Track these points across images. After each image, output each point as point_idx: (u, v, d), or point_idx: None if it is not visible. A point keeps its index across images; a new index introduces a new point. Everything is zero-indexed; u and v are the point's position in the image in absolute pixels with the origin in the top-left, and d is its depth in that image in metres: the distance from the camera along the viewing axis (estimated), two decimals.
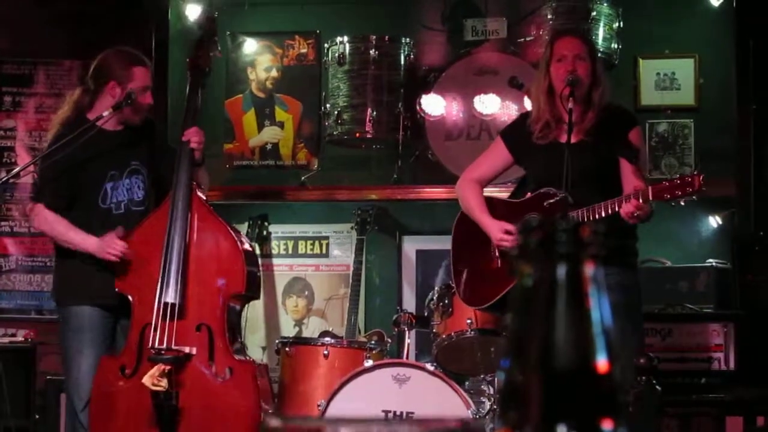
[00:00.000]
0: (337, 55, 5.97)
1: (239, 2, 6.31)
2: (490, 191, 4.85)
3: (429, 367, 4.67)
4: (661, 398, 4.39)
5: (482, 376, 5.00)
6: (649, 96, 6.20)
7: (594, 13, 5.77)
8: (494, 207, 4.59)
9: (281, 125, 6.37)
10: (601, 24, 5.82)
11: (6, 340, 6.03)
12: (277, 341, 5.23)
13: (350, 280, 5.95)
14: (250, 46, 6.40)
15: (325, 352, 4.98)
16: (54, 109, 6.26)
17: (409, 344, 5.01)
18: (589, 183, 4.32)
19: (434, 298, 5.04)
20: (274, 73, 6.40)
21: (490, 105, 5.86)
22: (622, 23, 5.90)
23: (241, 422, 4.54)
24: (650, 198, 4.08)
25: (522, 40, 6.02)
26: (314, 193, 6.29)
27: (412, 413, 4.55)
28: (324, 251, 6.46)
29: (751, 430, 5.06)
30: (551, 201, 4.34)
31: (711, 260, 5.76)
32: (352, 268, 5.97)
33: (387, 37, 6.04)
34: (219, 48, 5.17)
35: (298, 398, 4.95)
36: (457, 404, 4.51)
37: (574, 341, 0.85)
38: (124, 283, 4.66)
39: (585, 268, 0.87)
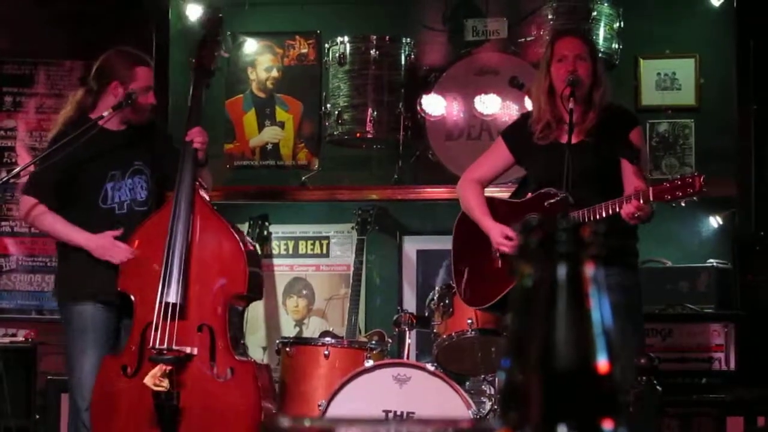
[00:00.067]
0: (337, 55, 5.97)
1: (239, 2, 6.31)
2: (491, 191, 4.85)
3: (429, 367, 4.67)
4: (662, 398, 4.38)
5: (483, 376, 5.00)
6: (650, 96, 6.20)
7: (594, 13, 5.77)
8: (495, 207, 4.59)
9: (282, 125, 6.37)
10: (602, 24, 5.82)
11: (6, 340, 6.04)
12: (277, 341, 5.23)
13: (351, 280, 5.95)
14: (251, 46, 6.40)
15: (326, 352, 4.98)
16: (54, 109, 6.27)
17: (409, 344, 5.01)
18: (590, 183, 4.32)
19: (435, 298, 5.04)
20: (274, 73, 6.40)
21: (491, 105, 5.86)
22: (622, 23, 5.90)
23: (241, 422, 4.54)
24: (651, 199, 4.08)
25: (522, 40, 6.02)
26: (315, 193, 6.29)
27: (413, 413, 4.55)
28: (324, 251, 6.46)
29: (751, 431, 5.06)
30: (552, 201, 4.34)
31: (711, 260, 5.76)
32: (352, 268, 5.96)
33: (387, 37, 6.03)
34: (224, 48, 5.17)
35: (299, 398, 4.95)
36: (458, 404, 4.51)
37: (574, 341, 0.85)
38: (126, 282, 4.66)
39: (585, 269, 0.87)
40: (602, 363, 0.85)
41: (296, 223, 6.48)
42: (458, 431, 0.88)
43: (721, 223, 6.08)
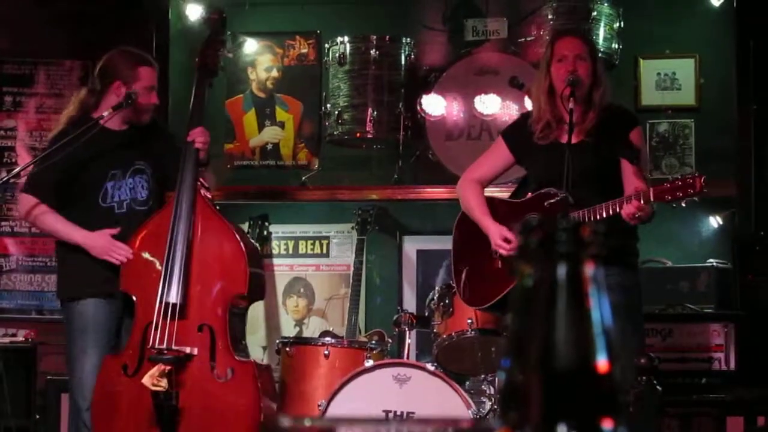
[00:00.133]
0: (337, 55, 5.97)
1: (240, 2, 6.31)
2: (491, 191, 4.85)
3: (429, 367, 4.67)
4: (662, 398, 4.39)
5: (483, 376, 5.00)
6: (650, 96, 6.20)
7: (594, 13, 5.77)
8: (495, 207, 4.59)
9: (282, 125, 6.37)
10: (602, 24, 5.82)
11: (6, 340, 6.04)
12: (277, 341, 5.23)
13: (351, 280, 5.95)
14: (251, 46, 6.40)
15: (326, 352, 4.98)
16: (54, 109, 6.27)
17: (409, 344, 5.01)
18: (590, 183, 4.32)
19: (435, 298, 5.04)
20: (274, 73, 6.40)
21: (491, 105, 5.86)
22: (622, 23, 5.90)
23: (241, 423, 4.53)
24: (651, 199, 4.07)
25: (522, 40, 6.02)
26: (315, 193, 6.29)
27: (413, 413, 4.55)
28: (324, 251, 6.46)
29: (751, 431, 5.06)
30: (552, 201, 4.34)
31: (711, 260, 5.76)
32: (352, 268, 5.96)
33: (387, 37, 6.03)
34: (228, 48, 5.16)
35: (299, 398, 4.94)
36: (458, 404, 4.51)
37: (574, 341, 0.85)
38: (128, 282, 4.66)
39: (585, 268, 0.87)
40: (602, 363, 0.85)
41: (296, 223, 6.48)
42: (458, 431, 0.88)
43: (721, 223, 6.08)
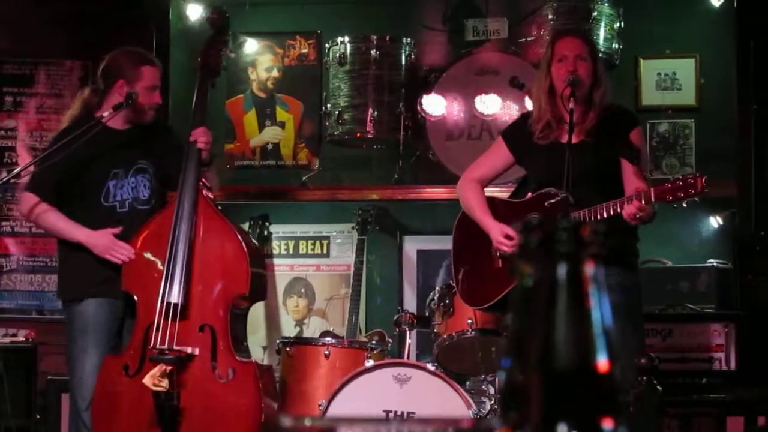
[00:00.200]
0: (338, 55, 5.97)
1: (240, 2, 6.31)
2: (491, 191, 4.85)
3: (430, 367, 4.67)
4: (662, 398, 4.39)
5: (483, 376, 5.00)
6: (650, 96, 6.20)
7: (595, 14, 5.77)
8: (495, 207, 4.59)
9: (282, 125, 6.38)
10: (602, 24, 5.82)
11: (7, 340, 6.04)
12: (278, 341, 5.23)
13: (351, 280, 5.95)
14: (251, 46, 6.40)
15: (326, 352, 4.98)
16: (55, 109, 6.28)
17: (410, 344, 5.01)
18: (590, 183, 4.32)
19: (435, 298, 5.04)
20: (275, 73, 6.40)
21: (491, 105, 5.86)
22: (623, 23, 5.90)
23: (242, 423, 4.53)
24: (652, 199, 4.07)
25: (523, 40, 6.02)
26: (315, 193, 6.29)
27: (413, 413, 4.55)
28: (325, 251, 6.46)
29: (751, 430, 5.06)
30: (552, 201, 4.34)
31: (712, 260, 5.76)
32: (353, 268, 5.97)
33: (388, 37, 6.03)
34: (230, 47, 5.15)
35: (299, 398, 4.95)
36: (458, 404, 4.51)
37: (574, 341, 0.85)
38: (130, 282, 4.66)
39: (585, 268, 0.87)
40: (602, 362, 0.85)
41: (297, 223, 6.48)
42: (459, 431, 0.88)
43: (721, 223, 6.08)
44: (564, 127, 4.37)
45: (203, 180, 4.78)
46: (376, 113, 5.91)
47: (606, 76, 4.53)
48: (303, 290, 6.43)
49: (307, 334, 6.26)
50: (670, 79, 6.19)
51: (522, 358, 0.86)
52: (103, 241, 4.66)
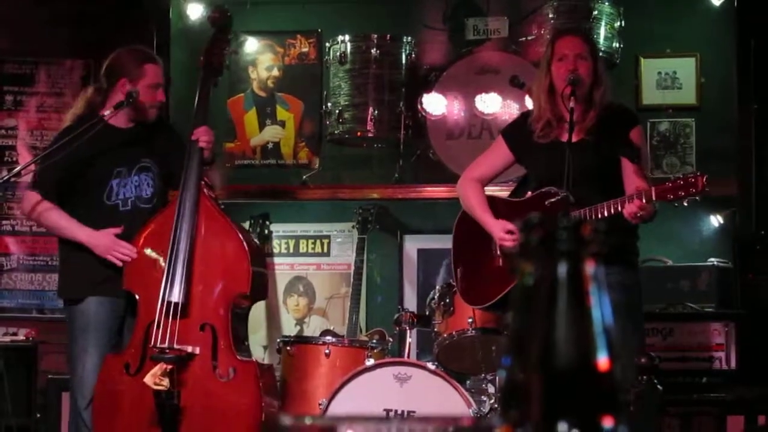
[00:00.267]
0: (338, 54, 5.97)
1: (241, 1, 6.31)
2: (490, 190, 4.85)
3: (430, 366, 4.67)
4: (662, 397, 4.39)
5: (483, 375, 5.00)
6: (651, 95, 6.20)
7: (595, 12, 5.77)
8: (496, 206, 4.59)
9: (282, 124, 6.38)
10: (603, 23, 5.82)
11: (7, 338, 6.04)
12: (278, 340, 5.23)
13: (351, 279, 5.95)
14: (252, 45, 6.40)
15: (327, 351, 4.98)
16: (55, 108, 6.28)
17: (410, 343, 5.01)
18: (590, 182, 4.32)
19: (435, 297, 5.04)
20: (275, 72, 6.40)
21: (492, 104, 5.86)
22: (623, 22, 5.90)
23: (243, 422, 4.53)
24: (653, 198, 4.07)
25: (523, 39, 6.02)
26: (315, 192, 6.29)
27: (414, 412, 4.55)
28: (325, 250, 6.46)
29: (752, 430, 5.06)
30: (553, 200, 4.34)
31: (712, 259, 5.76)
32: (353, 267, 5.97)
33: (388, 36, 6.03)
34: (233, 46, 5.14)
35: (300, 397, 4.95)
36: (458, 403, 4.51)
37: (575, 339, 0.85)
38: (131, 280, 4.66)
39: (586, 266, 0.87)
40: (602, 361, 0.85)
41: (297, 222, 6.48)
42: (459, 429, 0.88)
43: (721, 222, 6.08)
44: (564, 126, 4.37)
45: (206, 179, 4.79)
46: (376, 112, 5.91)
47: (606, 75, 4.53)
48: (303, 289, 6.43)
49: (307, 333, 6.26)
50: (670, 78, 6.19)
51: (522, 356, 0.86)
52: (104, 242, 4.66)
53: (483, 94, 5.87)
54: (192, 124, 4.83)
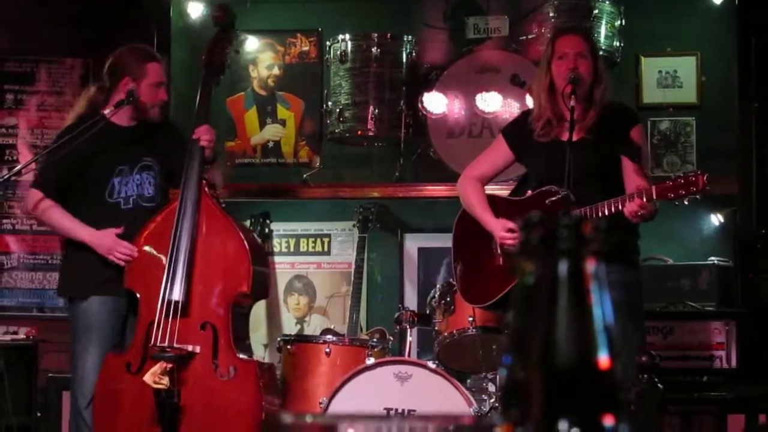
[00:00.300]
0: (339, 52, 5.97)
1: (241, 0, 6.31)
2: (491, 189, 4.84)
3: (431, 364, 4.67)
4: (663, 396, 4.39)
5: (484, 373, 5.00)
6: (651, 94, 6.20)
7: (596, 11, 5.77)
8: (496, 205, 4.59)
9: (283, 123, 6.38)
10: (603, 22, 5.82)
11: (8, 337, 6.04)
12: (278, 339, 5.23)
13: (352, 278, 5.95)
14: (252, 43, 6.40)
15: (327, 350, 4.98)
16: (55, 107, 6.28)
17: (410, 342, 5.00)
18: (591, 181, 4.32)
19: (436, 295, 5.04)
20: (275, 70, 6.40)
21: (492, 103, 5.86)
22: (623, 21, 5.90)
23: (243, 421, 4.53)
24: (654, 197, 4.07)
25: (524, 37, 6.02)
26: (316, 190, 6.29)
27: (414, 411, 4.55)
28: (326, 249, 6.46)
29: (752, 428, 5.06)
30: (553, 199, 4.34)
31: (713, 258, 5.75)
32: (353, 266, 5.97)
33: (389, 35, 6.03)
34: (235, 45, 5.13)
35: (300, 396, 4.95)
36: (459, 402, 4.51)
37: (575, 338, 0.85)
38: (132, 279, 4.66)
39: (587, 265, 0.87)
40: (603, 359, 0.85)
41: (297, 221, 6.48)
42: (459, 428, 0.88)
43: (722, 220, 6.08)
44: (564, 124, 4.37)
45: (207, 178, 4.78)
46: (377, 111, 5.90)
47: (606, 74, 4.52)
48: (304, 288, 6.43)
49: (307, 331, 6.26)
50: (671, 77, 6.19)
51: (523, 354, 0.86)
52: (106, 242, 4.66)
53: (483, 92, 5.87)
54: (193, 123, 4.83)
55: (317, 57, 6.33)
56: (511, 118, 5.22)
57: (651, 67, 6.20)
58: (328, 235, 6.46)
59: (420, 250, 6.37)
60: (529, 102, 5.07)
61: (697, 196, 4.06)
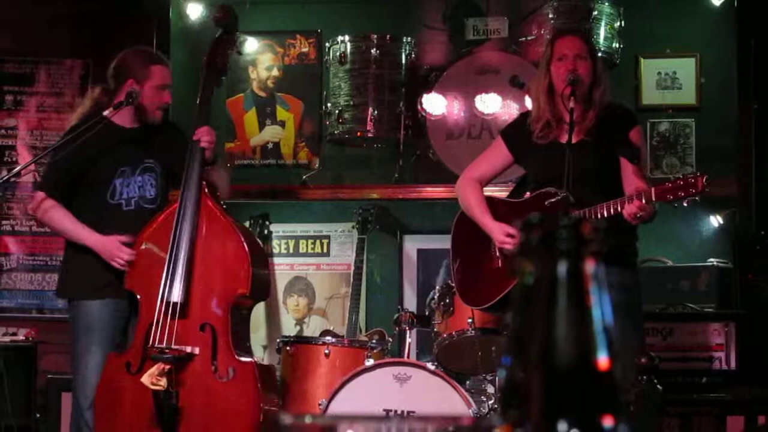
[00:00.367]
0: (338, 54, 5.97)
1: (241, 1, 6.30)
2: (490, 190, 4.84)
3: (430, 366, 4.67)
4: (662, 398, 4.38)
5: (483, 375, 5.00)
6: (651, 95, 6.20)
7: (595, 13, 5.77)
8: (495, 207, 4.58)
9: (282, 124, 6.38)
10: (603, 23, 5.82)
11: (7, 338, 6.04)
12: (278, 340, 5.23)
13: (351, 279, 5.95)
14: (252, 45, 6.40)
15: (326, 351, 4.97)
16: (55, 108, 6.28)
17: (410, 343, 5.00)
18: (590, 182, 4.31)
19: (435, 297, 5.04)
20: (275, 72, 6.40)
21: (491, 104, 5.86)
22: (623, 22, 5.90)
23: (242, 422, 4.53)
24: (653, 199, 4.07)
25: (523, 39, 6.02)
26: (315, 192, 6.29)
27: (413, 412, 4.55)
28: (325, 250, 6.46)
29: (751, 430, 5.06)
30: (552, 200, 4.34)
31: (712, 259, 5.75)
32: (353, 267, 5.97)
33: (388, 36, 6.03)
34: (237, 47, 5.12)
35: (300, 397, 4.94)
36: (458, 403, 4.51)
37: (575, 338, 0.85)
38: (133, 280, 4.66)
39: (586, 266, 0.87)
40: (602, 360, 0.85)
41: (297, 222, 6.48)
42: (459, 429, 0.88)
43: (721, 222, 6.08)
44: (563, 126, 4.37)
45: (211, 179, 4.78)
46: (376, 112, 5.91)
47: (605, 75, 4.52)
48: (303, 289, 6.43)
49: (307, 333, 6.26)
50: (670, 79, 6.19)
51: (523, 355, 0.86)
52: (109, 247, 4.65)
53: (483, 94, 5.86)
54: (194, 124, 4.83)
55: (316, 58, 6.33)
56: (511, 119, 5.22)
57: (650, 69, 6.21)
58: (328, 237, 6.46)
59: (419, 251, 6.37)
60: (528, 103, 5.07)
61: (696, 198, 4.06)
